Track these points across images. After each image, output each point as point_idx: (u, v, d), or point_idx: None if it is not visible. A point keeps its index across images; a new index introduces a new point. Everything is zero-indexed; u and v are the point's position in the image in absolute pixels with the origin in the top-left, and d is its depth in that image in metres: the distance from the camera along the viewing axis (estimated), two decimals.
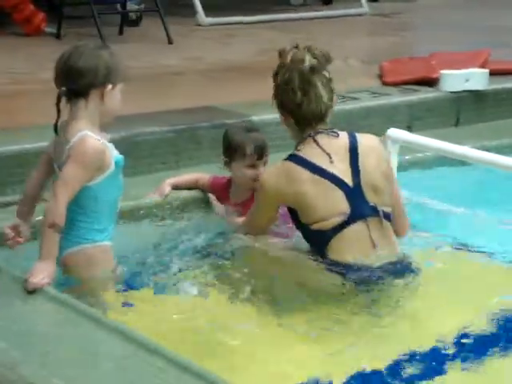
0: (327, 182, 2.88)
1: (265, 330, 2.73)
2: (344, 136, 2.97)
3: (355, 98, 4.71)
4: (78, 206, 2.82)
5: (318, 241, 2.91)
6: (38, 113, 4.34)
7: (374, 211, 2.91)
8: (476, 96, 4.95)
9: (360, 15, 7.90)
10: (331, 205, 2.87)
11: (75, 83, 2.78)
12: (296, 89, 2.88)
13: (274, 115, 3.67)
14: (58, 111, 2.83)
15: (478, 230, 3.41)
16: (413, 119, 4.74)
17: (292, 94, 2.89)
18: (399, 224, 3.06)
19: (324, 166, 2.89)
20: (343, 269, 2.87)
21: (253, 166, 3.37)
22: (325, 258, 2.91)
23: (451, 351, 2.58)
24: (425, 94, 4.87)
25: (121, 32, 6.57)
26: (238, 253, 3.07)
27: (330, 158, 2.90)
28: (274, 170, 2.97)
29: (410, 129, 4.58)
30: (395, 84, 5.02)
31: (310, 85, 2.88)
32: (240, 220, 3.25)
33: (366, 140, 2.99)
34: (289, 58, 2.90)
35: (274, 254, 3.01)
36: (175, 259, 3.10)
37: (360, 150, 2.94)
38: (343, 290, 2.85)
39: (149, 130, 4.00)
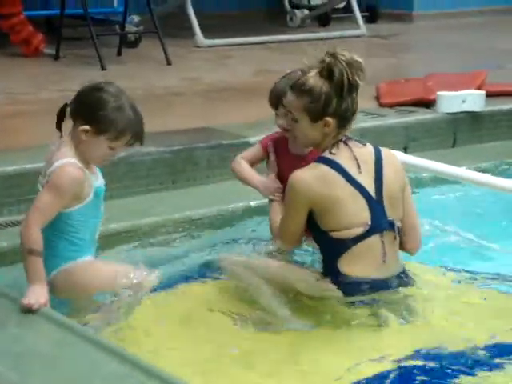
0: (355, 191, 2.89)
1: (260, 345, 2.74)
2: (369, 146, 3.00)
3: None
4: (54, 229, 2.81)
5: (335, 249, 2.90)
6: (35, 133, 4.35)
7: (391, 226, 2.93)
8: (472, 117, 4.96)
9: (357, 37, 7.94)
10: (356, 214, 2.88)
11: (73, 103, 2.83)
12: (357, 90, 2.88)
13: None
14: (59, 117, 2.86)
15: (474, 254, 3.42)
16: (409, 140, 4.75)
17: (352, 96, 2.87)
18: (413, 238, 3.05)
19: (353, 175, 2.90)
20: (341, 281, 2.88)
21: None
22: (332, 268, 2.89)
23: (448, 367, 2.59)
24: (421, 115, 4.89)
25: (119, 53, 6.60)
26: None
27: (359, 167, 2.91)
28: (308, 171, 2.90)
29: (406, 150, 4.61)
30: (392, 105, 5.04)
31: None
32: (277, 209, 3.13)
33: (386, 152, 3.02)
34: (344, 64, 2.84)
35: (271, 270, 2.99)
36: (170, 278, 3.10)
37: (383, 162, 2.96)
38: (341, 303, 2.87)
39: (146, 150, 4.00)
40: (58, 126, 2.88)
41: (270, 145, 3.31)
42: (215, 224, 3.70)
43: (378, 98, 5.19)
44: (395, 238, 2.95)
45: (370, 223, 2.88)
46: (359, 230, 2.87)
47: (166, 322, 2.87)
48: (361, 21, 8.05)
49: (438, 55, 7.12)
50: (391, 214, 2.94)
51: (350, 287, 2.88)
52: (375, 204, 2.90)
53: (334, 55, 2.87)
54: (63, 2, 6.31)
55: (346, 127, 2.93)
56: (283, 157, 3.32)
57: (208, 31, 7.27)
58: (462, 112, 4.92)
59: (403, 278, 2.96)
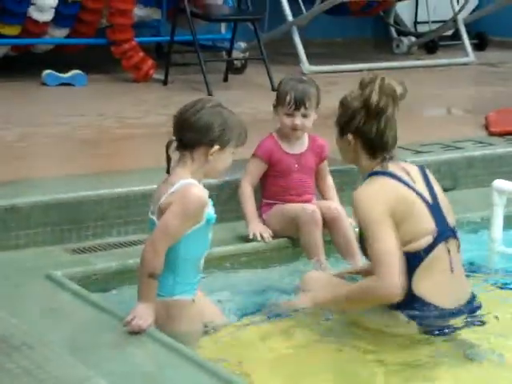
0: (416, 197, 2.85)
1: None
2: (412, 164, 3.02)
3: (459, 148, 4.64)
4: None
5: (408, 267, 2.76)
6: (144, 156, 4.45)
7: (453, 232, 2.88)
8: None
9: (465, 64, 7.81)
10: (424, 221, 2.83)
11: (184, 136, 2.81)
12: (385, 116, 2.88)
13: None
14: (168, 158, 2.85)
15: None
16: None
17: (378, 121, 2.89)
18: None
19: (409, 182, 2.89)
20: (417, 313, 2.79)
21: (291, 115, 3.66)
22: (409, 287, 2.76)
23: None
24: None
25: (226, 79, 6.69)
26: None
27: (410, 175, 2.91)
28: (368, 186, 2.87)
29: None
30: (501, 134, 4.92)
31: (394, 113, 2.91)
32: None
33: (429, 171, 3.03)
34: (377, 87, 2.88)
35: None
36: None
37: (428, 174, 2.98)
38: (415, 337, 2.77)
39: None
40: (168, 169, 2.84)
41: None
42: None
43: (487, 127, 5.08)
44: (459, 246, 2.89)
45: (436, 230, 2.81)
46: (429, 239, 2.81)
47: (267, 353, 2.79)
48: (469, 48, 7.91)
49: None
50: (451, 220, 2.90)
51: (427, 319, 2.77)
52: (435, 210, 2.85)
53: (373, 76, 2.92)
54: (173, 30, 6.46)
55: (379, 155, 2.89)
56: (280, 159, 3.69)
57: (313, 58, 7.29)
58: None
59: (476, 316, 2.84)
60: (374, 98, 2.86)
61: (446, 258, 2.84)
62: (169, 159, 2.85)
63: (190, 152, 2.81)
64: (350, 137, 2.92)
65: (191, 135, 2.79)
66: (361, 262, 3.36)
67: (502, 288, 3.33)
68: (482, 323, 2.86)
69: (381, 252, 2.74)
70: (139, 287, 2.73)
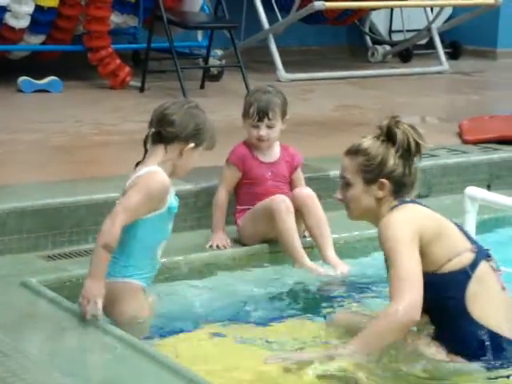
0: (443, 218, 2.76)
1: None
2: None
3: (434, 155, 4.69)
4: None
5: (457, 287, 2.63)
6: (120, 163, 4.45)
7: (489, 254, 2.75)
8: None
9: (439, 73, 7.89)
10: (457, 238, 2.70)
11: (164, 129, 2.91)
12: (420, 153, 2.81)
13: None
14: (146, 150, 2.94)
15: None
16: (493, 178, 4.69)
17: (414, 160, 2.79)
18: None
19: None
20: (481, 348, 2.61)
21: (256, 127, 3.70)
22: (464, 311, 2.61)
23: None
24: (506, 152, 4.82)
25: (202, 86, 6.72)
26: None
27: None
28: (396, 212, 2.70)
29: (489, 188, 4.54)
30: (475, 142, 4.99)
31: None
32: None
33: None
34: (405, 124, 2.79)
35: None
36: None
37: None
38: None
39: None
40: (145, 151, 2.95)
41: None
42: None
43: (460, 135, 5.14)
44: (499, 269, 2.74)
45: (475, 247, 2.70)
46: (471, 255, 2.66)
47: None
48: (443, 57, 7.99)
49: None
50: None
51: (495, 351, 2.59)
52: (464, 231, 2.79)
53: (394, 118, 2.79)
54: (150, 37, 6.47)
55: (400, 195, 2.76)
56: (252, 166, 3.73)
57: (289, 66, 7.34)
58: None
59: None
60: (412, 137, 2.77)
61: (492, 274, 2.70)
62: (146, 151, 2.94)
63: (164, 145, 2.91)
64: (383, 181, 2.74)
65: (170, 129, 2.90)
66: (330, 244, 3.51)
67: None
68: None
69: (403, 270, 2.60)
70: (92, 262, 2.77)
